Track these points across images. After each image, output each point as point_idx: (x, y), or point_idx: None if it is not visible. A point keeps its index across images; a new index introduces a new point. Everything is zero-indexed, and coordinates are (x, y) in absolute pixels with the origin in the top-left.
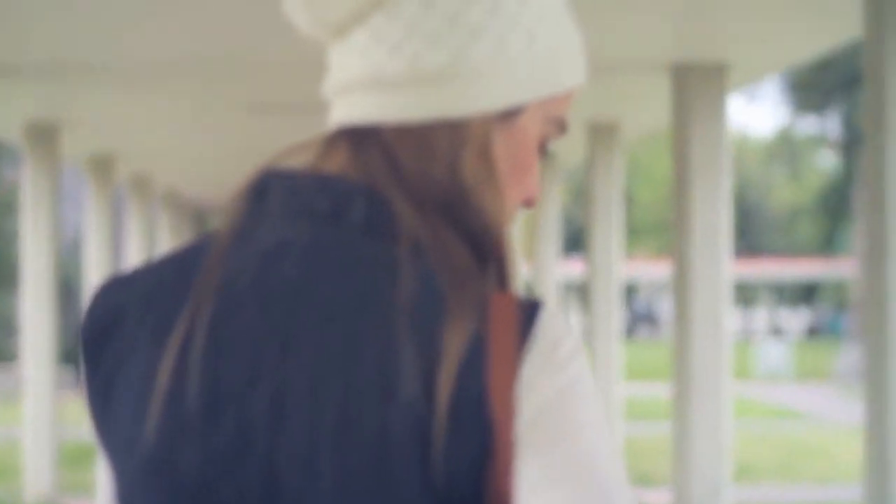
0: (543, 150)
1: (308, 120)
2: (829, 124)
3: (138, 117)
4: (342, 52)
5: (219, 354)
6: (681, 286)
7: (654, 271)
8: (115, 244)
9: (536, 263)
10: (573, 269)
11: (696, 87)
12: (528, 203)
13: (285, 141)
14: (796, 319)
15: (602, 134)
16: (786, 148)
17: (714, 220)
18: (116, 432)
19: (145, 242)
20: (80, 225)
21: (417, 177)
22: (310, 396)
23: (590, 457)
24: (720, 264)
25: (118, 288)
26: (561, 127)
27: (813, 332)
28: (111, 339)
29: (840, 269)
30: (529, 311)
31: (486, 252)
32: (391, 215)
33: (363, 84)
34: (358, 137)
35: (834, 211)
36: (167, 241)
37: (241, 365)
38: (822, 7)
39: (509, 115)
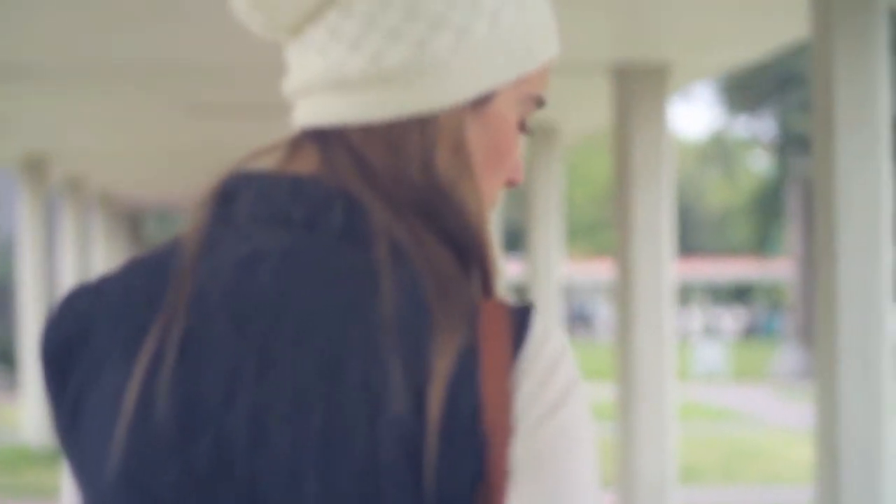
0: (524, 128)
1: (248, 122)
2: (763, 126)
3: (72, 117)
4: (300, 52)
5: (192, 370)
6: (623, 288)
7: (589, 272)
8: (49, 246)
9: None
10: (509, 269)
11: (637, 88)
12: (511, 184)
13: (224, 143)
14: (731, 319)
15: (541, 135)
16: (719, 149)
17: (656, 222)
18: (86, 449)
19: (79, 244)
20: (11, 226)
21: (390, 178)
22: (291, 415)
23: (579, 488)
24: (662, 266)
25: (85, 298)
26: (539, 102)
27: (748, 332)
28: (80, 352)
29: (774, 269)
30: (520, 318)
31: (468, 252)
32: (367, 220)
33: (324, 84)
34: (324, 140)
35: (767, 212)
36: (102, 244)
37: (215, 381)
38: (766, 8)
39: (481, 103)
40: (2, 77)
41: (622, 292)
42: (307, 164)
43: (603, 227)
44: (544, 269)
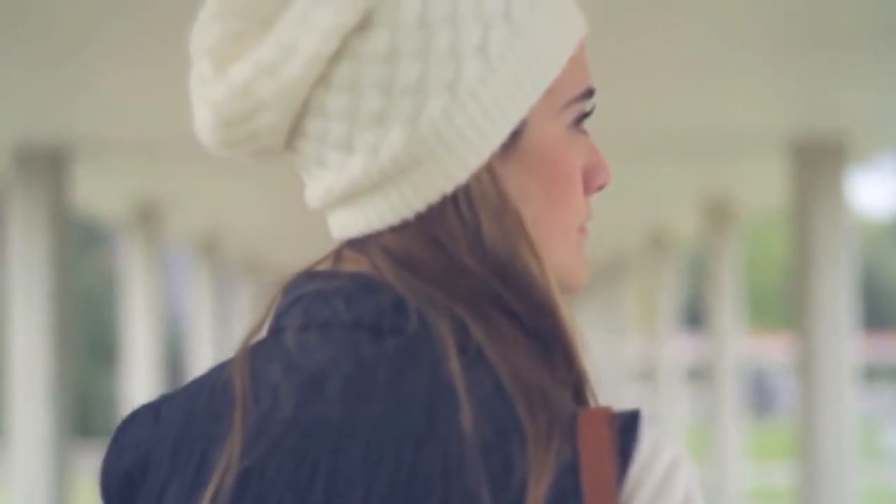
0: (580, 126)
1: None
2: None
3: (245, 195)
4: (301, 164)
5: (258, 501)
6: (804, 365)
7: (770, 349)
8: (223, 323)
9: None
10: (685, 347)
11: (815, 163)
12: (601, 187)
13: None
14: None
15: (717, 211)
16: None
17: (836, 300)
18: None
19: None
20: (185, 302)
21: (441, 272)
22: None
23: None
24: (842, 342)
25: (144, 425)
26: (587, 95)
27: None
28: (140, 485)
29: None
30: (627, 429)
31: (546, 335)
32: (430, 323)
33: (339, 196)
34: (362, 247)
35: None
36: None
37: None
38: None
39: (510, 144)
40: (174, 156)
41: (804, 370)
42: (356, 269)
43: (785, 303)
44: (724, 346)
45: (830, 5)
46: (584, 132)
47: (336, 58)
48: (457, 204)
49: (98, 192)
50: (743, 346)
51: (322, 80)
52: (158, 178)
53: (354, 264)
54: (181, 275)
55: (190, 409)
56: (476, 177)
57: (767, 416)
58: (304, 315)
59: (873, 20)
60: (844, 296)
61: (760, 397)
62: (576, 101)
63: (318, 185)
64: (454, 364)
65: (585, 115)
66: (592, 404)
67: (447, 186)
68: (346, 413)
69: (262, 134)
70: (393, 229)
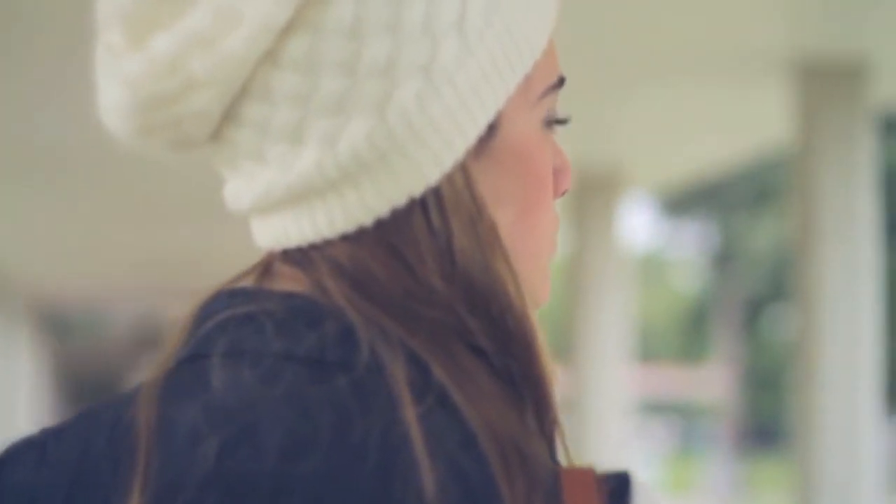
0: (552, 125)
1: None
2: None
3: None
4: (227, 158)
5: None
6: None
7: None
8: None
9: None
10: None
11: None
12: (562, 194)
13: (166, 239)
14: None
15: None
16: None
17: None
18: None
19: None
20: None
21: (401, 292)
22: None
23: None
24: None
25: (26, 469)
26: (558, 85)
27: None
28: None
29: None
30: (618, 497)
31: (519, 374)
32: (385, 362)
33: (277, 196)
34: (302, 261)
35: None
36: (24, 349)
37: None
38: None
39: (483, 141)
40: None
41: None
42: (291, 288)
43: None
44: None
45: None
46: (552, 131)
47: (288, 29)
48: (425, 209)
49: None
50: None
51: (269, 55)
52: None
53: (290, 281)
54: None
55: (84, 451)
56: (448, 177)
57: None
58: (230, 343)
59: None
60: None
61: None
62: (549, 92)
63: (249, 183)
64: (409, 412)
65: (558, 120)
66: (565, 460)
67: (416, 188)
68: (281, 468)
69: (190, 119)
70: (345, 238)
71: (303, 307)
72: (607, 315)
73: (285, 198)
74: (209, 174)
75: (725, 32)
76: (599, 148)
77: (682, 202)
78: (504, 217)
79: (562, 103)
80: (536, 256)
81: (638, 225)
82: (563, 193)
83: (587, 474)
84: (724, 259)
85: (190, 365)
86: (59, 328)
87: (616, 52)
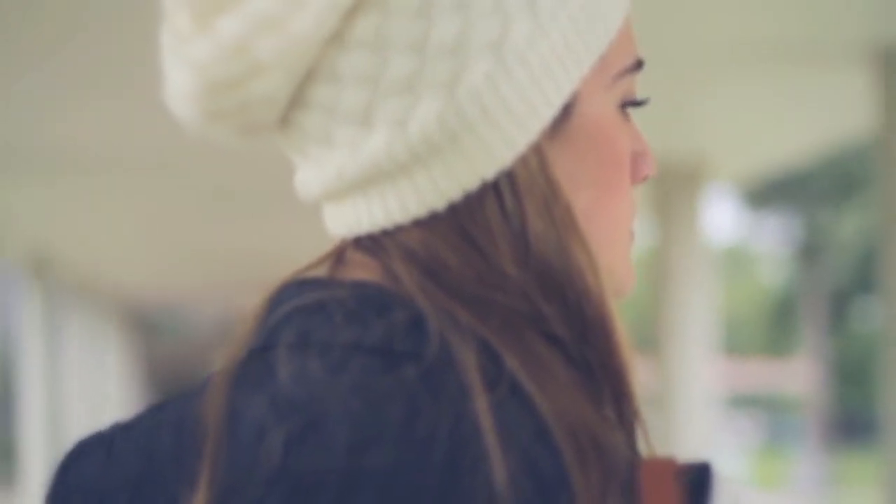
0: (629, 108)
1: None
2: None
3: (83, 213)
4: (297, 144)
5: None
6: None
7: None
8: (54, 346)
9: None
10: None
11: None
12: (644, 179)
13: (251, 238)
14: None
15: None
16: None
17: None
18: None
19: (88, 352)
20: (10, 330)
21: (473, 284)
22: None
23: None
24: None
25: (94, 462)
26: (637, 67)
27: None
28: None
29: None
30: (698, 488)
31: (596, 363)
32: (455, 351)
33: (348, 180)
34: (374, 247)
35: None
36: (114, 350)
37: None
38: None
39: (558, 123)
40: (4, 167)
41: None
42: (362, 276)
43: None
44: None
45: None
46: (629, 116)
47: (355, 9)
48: (499, 193)
49: None
50: None
51: (336, 36)
52: None
53: (361, 269)
54: (9, 296)
55: (151, 447)
56: (522, 160)
57: None
58: (298, 333)
59: None
60: None
61: None
62: (626, 73)
63: (319, 169)
64: (480, 402)
65: (636, 102)
66: (646, 452)
67: (489, 170)
68: (350, 463)
69: (257, 103)
70: (417, 224)
71: (372, 296)
72: (692, 308)
73: (356, 182)
74: (288, 167)
75: (808, 20)
76: (682, 140)
77: (766, 194)
78: (580, 201)
79: (644, 94)
80: (614, 242)
81: (722, 218)
82: (644, 179)
83: (667, 465)
84: (809, 251)
85: (258, 356)
86: (146, 329)
87: (698, 45)
